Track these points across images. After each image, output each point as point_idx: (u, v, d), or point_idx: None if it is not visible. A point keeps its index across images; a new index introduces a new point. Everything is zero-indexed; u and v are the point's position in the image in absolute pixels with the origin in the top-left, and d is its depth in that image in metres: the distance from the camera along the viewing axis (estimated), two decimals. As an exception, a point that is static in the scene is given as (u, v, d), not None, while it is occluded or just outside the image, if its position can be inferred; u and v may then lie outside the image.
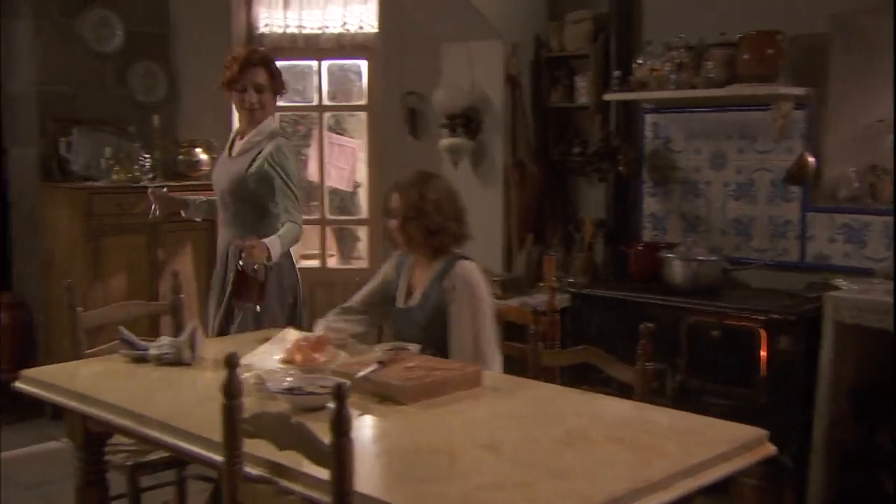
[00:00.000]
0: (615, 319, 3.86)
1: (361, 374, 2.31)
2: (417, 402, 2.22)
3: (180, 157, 5.18)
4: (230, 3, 5.18)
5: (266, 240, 3.00)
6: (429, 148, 4.81)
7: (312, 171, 5.72)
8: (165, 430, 2.08)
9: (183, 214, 3.55)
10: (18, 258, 5.11)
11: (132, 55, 5.12)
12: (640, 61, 3.98)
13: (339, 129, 6.06)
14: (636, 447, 1.91)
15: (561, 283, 4.23)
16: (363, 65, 5.35)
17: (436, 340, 2.67)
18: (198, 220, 3.58)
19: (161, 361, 2.59)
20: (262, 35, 5.24)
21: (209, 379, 2.48)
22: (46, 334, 4.91)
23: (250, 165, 3.19)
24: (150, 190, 3.45)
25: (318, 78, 5.36)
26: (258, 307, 2.98)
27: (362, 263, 5.72)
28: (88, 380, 2.46)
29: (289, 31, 5.20)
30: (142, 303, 3.15)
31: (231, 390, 1.80)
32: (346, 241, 6.25)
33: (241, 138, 3.31)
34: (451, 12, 4.37)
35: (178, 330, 3.03)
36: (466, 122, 4.50)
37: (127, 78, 5.13)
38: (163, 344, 2.66)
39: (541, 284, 4.37)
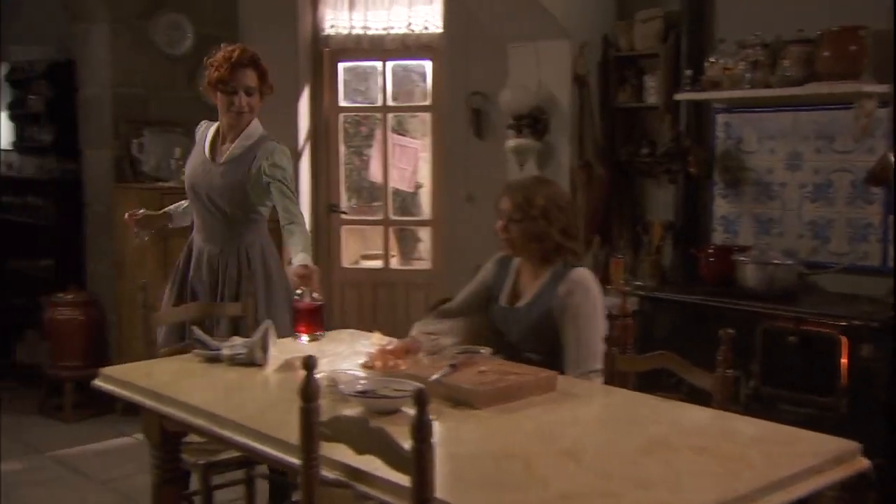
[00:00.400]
0: (686, 324, 3.77)
1: (434, 377, 2.29)
2: (491, 406, 2.19)
3: (247, 157, 5.24)
4: (297, 5, 5.23)
5: (300, 258, 2.91)
6: (494, 149, 4.77)
7: (374, 172, 5.73)
8: (241, 431, 2.08)
9: (170, 226, 3.41)
10: (91, 257, 5.24)
11: (201, 57, 5.14)
12: (713, 60, 3.88)
13: (400, 129, 6.07)
14: (721, 457, 1.85)
15: (629, 287, 4.17)
16: (427, 65, 5.35)
17: (541, 344, 2.63)
18: (186, 225, 3.38)
19: (234, 362, 2.61)
20: (328, 37, 5.28)
21: (282, 380, 2.49)
22: (118, 333, 5.01)
23: (248, 173, 3.09)
24: (126, 216, 3.26)
25: (382, 79, 5.37)
26: (322, 333, 2.85)
27: (423, 264, 5.73)
28: (164, 379, 2.48)
29: (354, 32, 5.22)
30: (212, 304, 3.16)
31: (308, 393, 1.79)
32: (406, 242, 6.26)
33: (224, 142, 3.17)
34: (519, 12, 4.32)
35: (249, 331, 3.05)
36: (533, 122, 4.45)
37: (196, 79, 5.19)
38: (235, 344, 2.68)
39: (608, 287, 4.31)
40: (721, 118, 4.15)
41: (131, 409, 2.91)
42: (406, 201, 6.18)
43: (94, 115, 5.07)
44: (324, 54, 5.33)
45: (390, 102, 5.45)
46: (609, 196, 4.50)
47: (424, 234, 5.96)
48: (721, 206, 4.22)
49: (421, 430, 1.53)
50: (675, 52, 4.17)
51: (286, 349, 2.71)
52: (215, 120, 3.27)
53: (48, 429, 4.74)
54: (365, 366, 2.50)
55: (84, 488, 3.94)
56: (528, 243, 2.70)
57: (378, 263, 5.59)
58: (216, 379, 2.51)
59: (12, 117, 5.98)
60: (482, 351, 2.58)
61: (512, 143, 4.46)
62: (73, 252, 5.26)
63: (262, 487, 3.24)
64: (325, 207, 5.42)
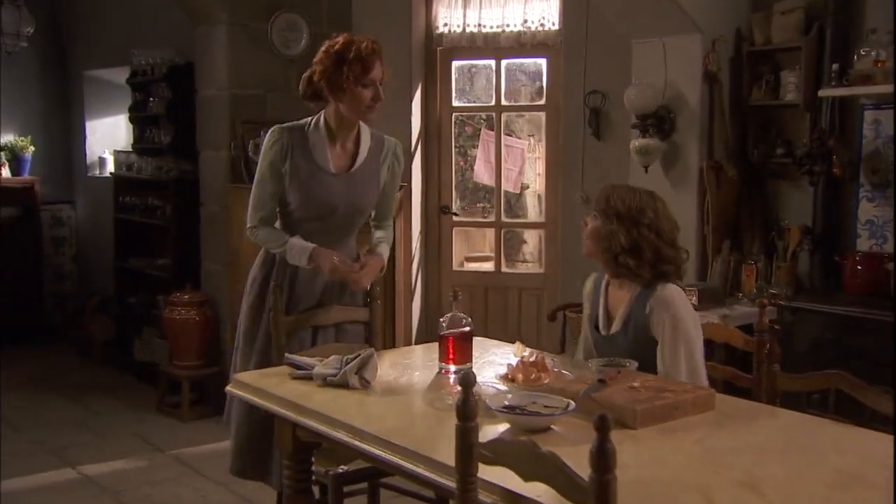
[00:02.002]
0: (831, 336, 3.51)
1: (583, 392, 2.14)
2: (647, 426, 2.03)
3: (360, 157, 5.20)
4: (410, 4, 5.15)
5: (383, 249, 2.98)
6: (612, 149, 4.58)
7: (479, 173, 5.62)
8: (384, 446, 1.98)
9: None
10: (206, 257, 5.28)
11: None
12: (863, 52, 3.61)
13: (506, 129, 5.93)
14: (926, 496, 1.64)
15: (762, 295, 3.92)
16: (542, 63, 5.20)
17: (645, 369, 2.41)
18: None
19: (326, 383, 2.39)
20: (441, 35, 5.18)
21: (421, 392, 2.39)
22: (231, 333, 5.02)
23: (380, 176, 2.96)
24: (350, 273, 2.86)
25: (495, 77, 5.25)
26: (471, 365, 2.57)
27: (530, 267, 5.58)
28: (297, 387, 2.40)
29: (468, 30, 5.11)
30: (341, 308, 3.06)
31: (466, 411, 1.67)
32: (511, 244, 6.13)
33: (344, 146, 2.90)
34: (645, 6, 4.12)
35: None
36: (658, 122, 4.24)
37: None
38: (328, 362, 2.46)
39: (739, 295, 4.07)
40: (870, 115, 3.85)
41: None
42: (511, 202, 6.04)
43: (211, 117, 5.10)
44: (437, 53, 5.24)
45: (503, 102, 5.31)
46: (740, 199, 4.26)
47: (528, 236, 5.81)
48: (866, 210, 3.92)
49: (604, 459, 1.39)
50: (818, 45, 3.89)
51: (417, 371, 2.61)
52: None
53: (166, 426, 4.79)
54: (505, 378, 2.37)
55: (204, 488, 3.94)
56: (595, 241, 2.58)
57: (485, 266, 5.47)
58: (350, 390, 2.40)
59: (132, 119, 6.10)
60: (627, 364, 2.42)
61: (636, 143, 4.26)
62: (189, 252, 5.31)
63: (385, 495, 3.15)
64: (437, 209, 5.32)
